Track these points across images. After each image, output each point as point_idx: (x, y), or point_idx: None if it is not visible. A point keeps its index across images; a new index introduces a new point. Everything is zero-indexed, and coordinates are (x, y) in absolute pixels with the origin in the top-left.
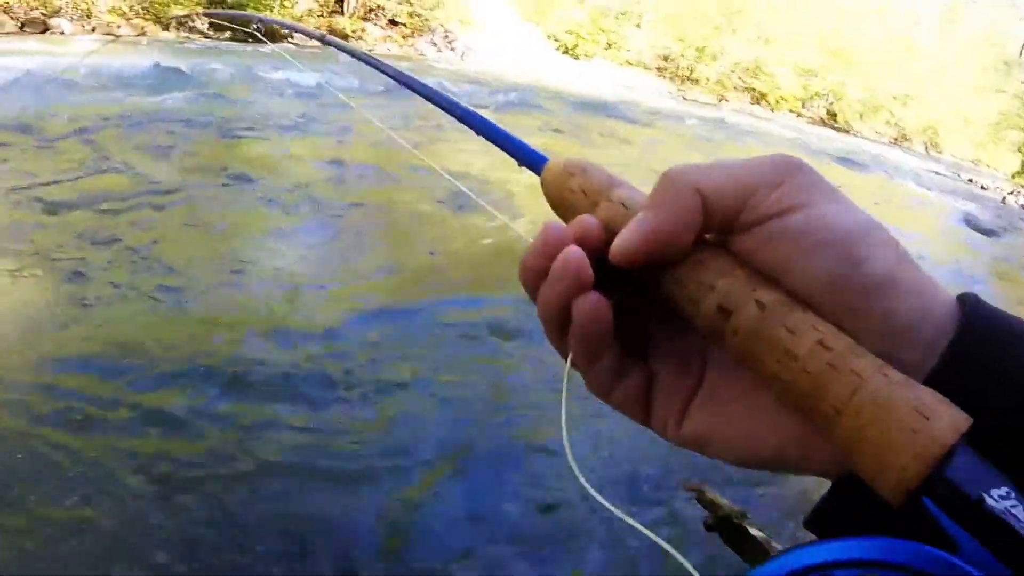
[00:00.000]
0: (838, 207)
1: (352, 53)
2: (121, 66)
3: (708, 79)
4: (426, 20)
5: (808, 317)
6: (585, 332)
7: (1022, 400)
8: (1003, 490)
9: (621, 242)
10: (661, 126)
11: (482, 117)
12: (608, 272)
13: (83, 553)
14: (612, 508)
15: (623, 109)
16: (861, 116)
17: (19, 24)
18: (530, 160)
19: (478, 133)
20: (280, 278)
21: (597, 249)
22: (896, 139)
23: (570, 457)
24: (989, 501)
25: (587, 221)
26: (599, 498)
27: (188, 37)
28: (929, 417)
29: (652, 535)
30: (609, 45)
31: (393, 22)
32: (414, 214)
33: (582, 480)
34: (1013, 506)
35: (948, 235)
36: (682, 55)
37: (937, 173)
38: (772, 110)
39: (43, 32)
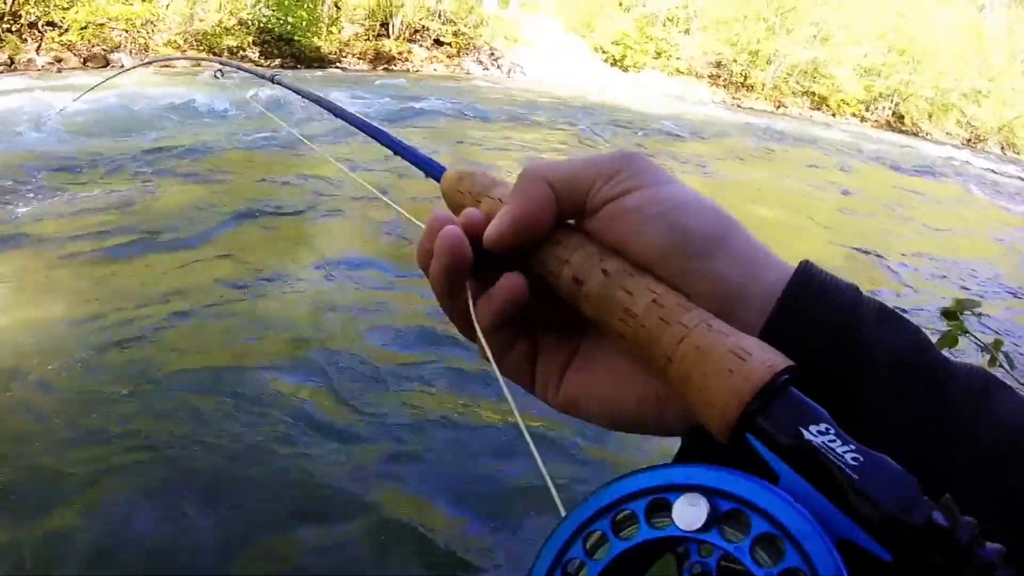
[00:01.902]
0: (668, 187)
1: (298, 91)
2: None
3: (763, 85)
4: (471, 39)
5: (645, 280)
6: (498, 306)
7: (843, 348)
8: (822, 426)
9: (491, 230)
10: (716, 141)
11: (397, 138)
12: (490, 258)
13: None
14: (515, 408)
15: (676, 124)
16: (930, 117)
17: (82, 60)
18: (432, 171)
19: (393, 151)
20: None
21: (480, 236)
22: (969, 140)
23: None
24: (807, 435)
25: (470, 212)
26: (508, 393)
27: (239, 66)
28: (745, 359)
29: (528, 439)
30: (658, 54)
31: (438, 42)
32: None
33: (500, 377)
34: (831, 440)
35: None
36: (734, 60)
37: (1016, 177)
38: (833, 115)
39: (104, 66)
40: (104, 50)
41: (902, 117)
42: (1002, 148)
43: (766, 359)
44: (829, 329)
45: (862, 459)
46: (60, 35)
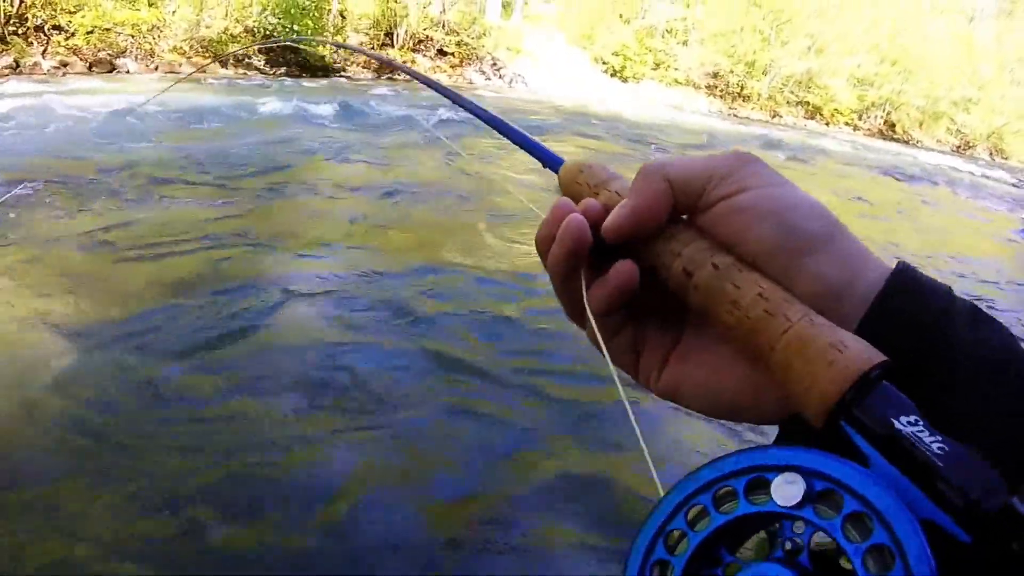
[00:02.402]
0: (778, 188)
1: (411, 73)
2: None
3: (759, 95)
4: (474, 49)
5: (752, 276)
6: (611, 294)
7: (935, 348)
8: (911, 417)
9: (610, 221)
10: (717, 149)
11: (518, 129)
12: (604, 248)
13: None
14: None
15: (678, 134)
16: (921, 125)
17: (87, 64)
18: (551, 162)
19: (513, 142)
20: None
21: (597, 226)
22: (959, 147)
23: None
24: (897, 425)
25: (590, 202)
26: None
27: (245, 73)
28: (844, 352)
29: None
30: (657, 65)
31: (442, 52)
32: None
33: (605, 353)
34: (919, 431)
35: (1016, 252)
36: (731, 71)
37: (1001, 182)
38: (827, 124)
39: (110, 71)
40: (110, 55)
41: (893, 125)
42: (991, 154)
43: (863, 353)
44: (921, 329)
45: (947, 448)
46: (66, 39)
